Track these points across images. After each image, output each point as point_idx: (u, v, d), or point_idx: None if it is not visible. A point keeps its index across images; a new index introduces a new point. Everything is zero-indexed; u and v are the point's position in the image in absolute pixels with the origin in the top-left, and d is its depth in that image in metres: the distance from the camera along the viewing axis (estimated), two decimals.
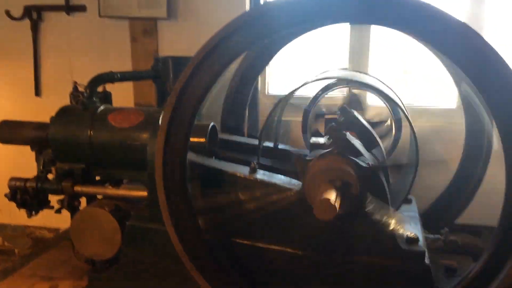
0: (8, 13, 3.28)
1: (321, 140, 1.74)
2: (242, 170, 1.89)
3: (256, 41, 1.61)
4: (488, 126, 2.23)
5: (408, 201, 2.18)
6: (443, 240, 2.07)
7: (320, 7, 1.47)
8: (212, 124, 2.15)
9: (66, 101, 3.26)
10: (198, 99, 1.62)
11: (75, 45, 3.31)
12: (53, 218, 3.43)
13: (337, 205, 1.37)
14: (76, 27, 3.28)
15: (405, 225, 1.90)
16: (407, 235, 1.76)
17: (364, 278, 1.73)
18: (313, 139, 1.77)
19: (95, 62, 3.23)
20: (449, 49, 1.41)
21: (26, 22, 3.29)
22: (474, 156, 2.38)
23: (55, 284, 2.32)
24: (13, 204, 3.58)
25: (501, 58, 1.34)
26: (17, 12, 3.31)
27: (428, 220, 2.20)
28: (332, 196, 1.39)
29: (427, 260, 1.72)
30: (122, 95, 2.64)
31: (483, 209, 2.37)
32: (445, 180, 2.49)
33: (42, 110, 3.17)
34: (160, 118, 2.02)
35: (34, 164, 2.66)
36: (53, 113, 2.52)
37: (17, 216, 3.65)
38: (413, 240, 1.74)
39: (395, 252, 1.69)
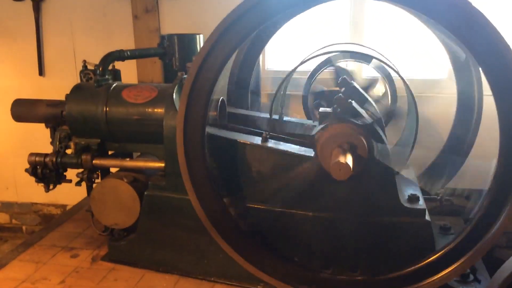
0: None
1: (329, 109, 1.87)
2: (254, 140, 2.03)
3: (269, 18, 1.71)
4: (479, 92, 2.40)
5: (406, 167, 2.34)
6: (439, 200, 2.25)
7: None
8: (221, 98, 2.27)
9: (69, 80, 3.35)
10: (218, 68, 1.74)
11: (77, 25, 3.35)
12: (60, 195, 3.56)
13: (350, 165, 1.52)
14: (78, 6, 3.31)
15: (406, 186, 2.08)
16: (409, 195, 1.94)
17: (370, 234, 1.89)
18: (322, 109, 1.90)
19: (98, 40, 3.29)
20: (439, 15, 1.55)
21: (28, 3, 3.32)
22: (465, 123, 2.54)
23: (75, 253, 2.44)
24: (20, 182, 3.70)
25: (487, 19, 1.49)
26: None
27: (423, 183, 2.37)
28: (346, 158, 1.54)
29: (427, 217, 1.90)
30: (125, 72, 2.70)
31: (472, 173, 2.56)
32: (438, 146, 2.67)
33: (46, 89, 3.28)
34: (174, 92, 2.16)
35: (36, 142, 2.75)
36: (56, 92, 2.60)
37: (24, 193, 3.77)
38: (415, 199, 1.93)
39: (399, 210, 1.87)
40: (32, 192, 3.72)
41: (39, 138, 2.92)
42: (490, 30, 1.50)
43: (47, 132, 2.62)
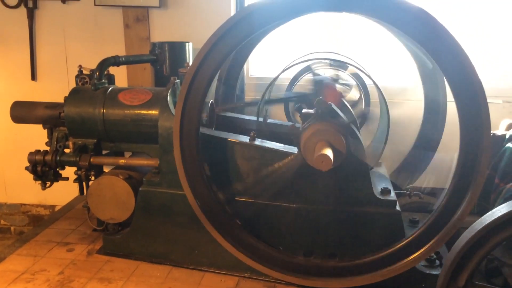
0: (3, 1, 3.45)
1: (311, 110, 2.08)
2: (243, 139, 2.23)
3: (258, 29, 1.92)
4: (444, 98, 2.65)
5: (378, 165, 2.58)
6: (408, 194, 2.48)
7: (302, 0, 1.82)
8: (211, 101, 2.46)
9: (60, 85, 3.50)
10: (211, 74, 1.95)
11: (70, 32, 3.49)
12: (49, 196, 3.68)
13: (332, 158, 1.73)
14: (71, 15, 3.45)
15: (379, 180, 2.31)
16: (381, 188, 2.17)
17: (346, 223, 2.11)
18: (305, 110, 2.10)
19: (90, 48, 3.44)
20: (409, 29, 1.79)
21: (22, 10, 3.45)
22: (431, 126, 2.80)
23: (71, 247, 2.58)
24: (9, 183, 3.80)
25: (449, 33, 1.73)
26: (12, 0, 3.47)
27: (395, 179, 2.61)
28: (327, 151, 1.75)
29: (397, 207, 2.12)
30: (116, 78, 2.86)
31: (438, 173, 2.80)
32: (406, 148, 2.91)
33: (38, 93, 3.42)
34: (168, 95, 2.34)
35: (26, 144, 2.88)
36: (48, 96, 2.75)
37: (13, 194, 3.87)
38: (387, 191, 2.16)
39: (373, 201, 2.10)
40: (21, 193, 3.82)
41: (28, 140, 3.05)
42: (452, 42, 1.74)
43: (36, 134, 2.79)
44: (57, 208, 3.61)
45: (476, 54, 3.24)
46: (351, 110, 2.35)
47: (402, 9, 1.75)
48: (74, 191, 2.89)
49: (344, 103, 2.44)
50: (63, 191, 3.19)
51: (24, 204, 3.90)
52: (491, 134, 1.86)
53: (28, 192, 3.76)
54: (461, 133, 1.84)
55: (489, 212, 1.61)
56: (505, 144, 2.47)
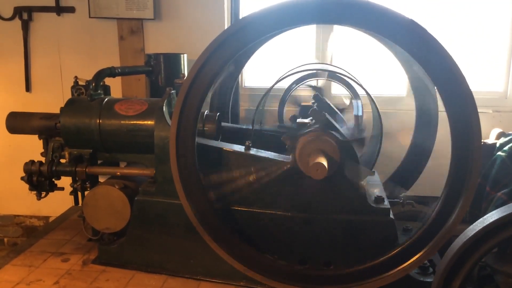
0: None
1: (306, 120, 2.11)
2: (238, 148, 2.25)
3: (252, 40, 1.95)
4: (435, 108, 2.70)
5: (372, 174, 2.60)
6: (401, 203, 2.52)
7: (295, 13, 1.84)
8: (218, 113, 2.48)
9: (55, 96, 3.53)
10: (207, 85, 1.97)
11: (64, 44, 3.52)
12: (43, 207, 3.68)
13: (326, 166, 1.76)
14: (66, 27, 3.48)
15: (373, 188, 2.34)
16: (375, 196, 2.19)
17: (340, 231, 2.13)
18: (299, 120, 2.14)
19: (84, 59, 3.47)
20: (400, 40, 1.82)
21: (17, 22, 3.48)
22: (423, 136, 2.84)
23: (66, 258, 2.58)
24: (2, 194, 3.78)
25: (440, 44, 1.77)
26: (7, 12, 3.50)
27: (387, 189, 2.64)
28: (322, 160, 1.78)
29: (391, 215, 2.15)
30: (111, 89, 2.88)
31: (430, 182, 2.84)
32: (399, 157, 2.95)
33: (32, 105, 3.43)
34: (164, 106, 2.36)
35: (17, 155, 2.88)
36: (42, 108, 2.78)
37: (6, 206, 3.86)
38: (380, 200, 2.18)
39: (366, 209, 2.12)
40: (14, 204, 3.81)
41: (21, 151, 3.05)
42: (442, 53, 1.77)
43: (29, 145, 2.80)
44: (50, 219, 3.60)
45: (466, 64, 3.32)
46: (344, 118, 2.39)
47: (393, 21, 1.79)
48: (68, 202, 2.89)
49: (337, 112, 2.48)
50: (57, 202, 3.19)
51: (18, 215, 3.88)
52: (482, 143, 1.89)
53: (22, 203, 3.76)
54: (453, 142, 1.87)
55: (481, 219, 1.64)
56: (496, 153, 2.53)
